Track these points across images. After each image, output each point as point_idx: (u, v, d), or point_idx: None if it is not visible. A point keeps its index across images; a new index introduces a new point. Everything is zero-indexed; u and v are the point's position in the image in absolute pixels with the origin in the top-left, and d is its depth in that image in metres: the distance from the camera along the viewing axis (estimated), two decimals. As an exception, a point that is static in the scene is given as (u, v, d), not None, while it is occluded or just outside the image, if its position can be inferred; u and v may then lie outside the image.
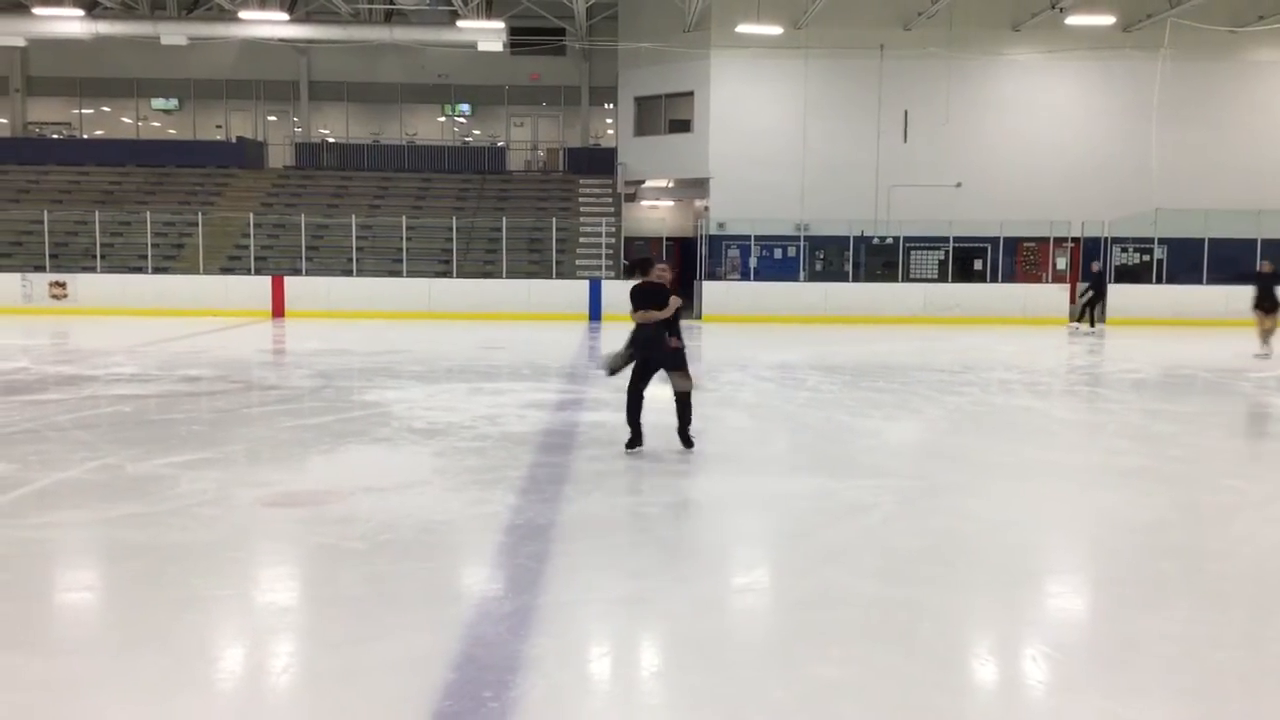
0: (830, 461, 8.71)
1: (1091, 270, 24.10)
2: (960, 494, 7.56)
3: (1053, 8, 25.09)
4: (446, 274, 27.18)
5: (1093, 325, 23.60)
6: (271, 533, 6.46)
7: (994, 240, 26.53)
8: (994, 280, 26.62)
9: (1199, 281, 25.58)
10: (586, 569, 5.71)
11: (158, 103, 35.31)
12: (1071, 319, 24.91)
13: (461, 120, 36.27)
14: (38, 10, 26.18)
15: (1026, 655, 4.59)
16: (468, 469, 7.99)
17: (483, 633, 4.66)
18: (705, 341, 20.46)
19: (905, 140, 27.47)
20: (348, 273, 26.98)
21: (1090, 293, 23.64)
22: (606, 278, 26.82)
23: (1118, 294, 25.24)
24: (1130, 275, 26.62)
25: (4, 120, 35.25)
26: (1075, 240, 26.61)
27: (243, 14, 26.24)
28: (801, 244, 27.22)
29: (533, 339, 19.20)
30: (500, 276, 26.99)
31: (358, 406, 11.27)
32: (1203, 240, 25.65)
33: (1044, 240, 26.80)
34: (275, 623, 4.91)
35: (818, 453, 9.17)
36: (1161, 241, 26.48)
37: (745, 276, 27.17)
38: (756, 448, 9.24)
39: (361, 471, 7.89)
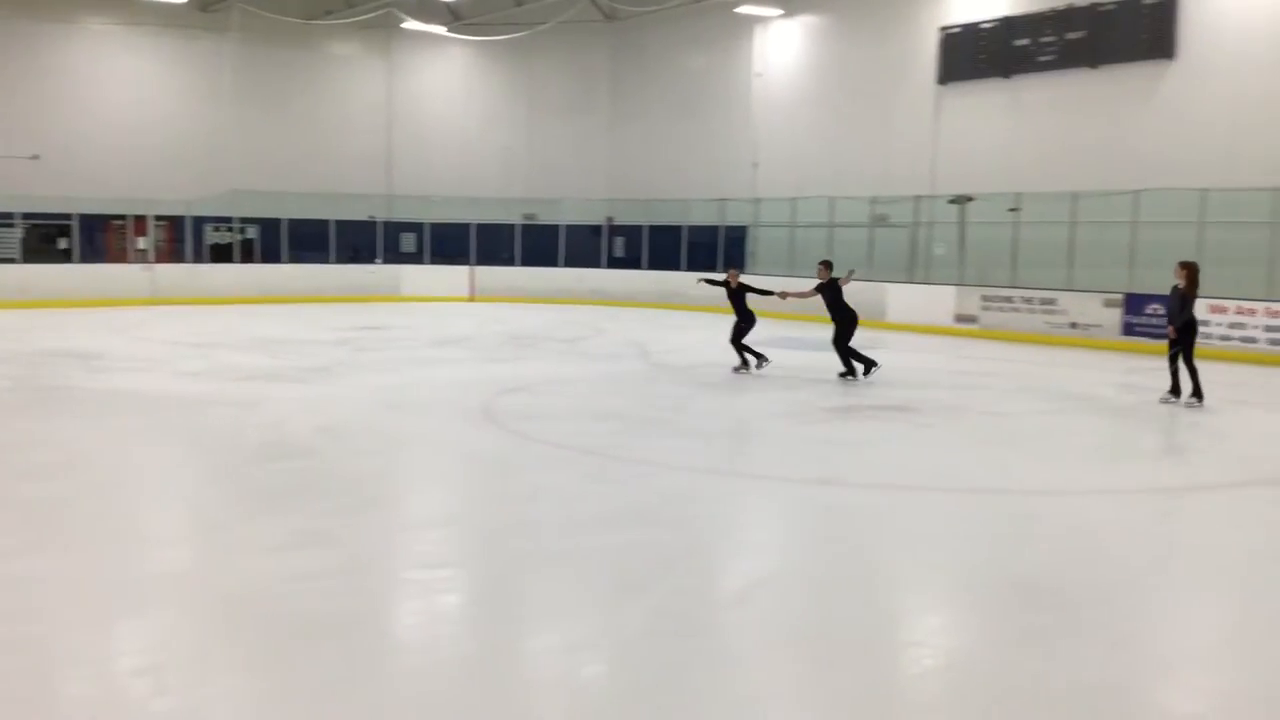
0: None
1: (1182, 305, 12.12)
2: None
3: (114, -23, 24.39)
4: None
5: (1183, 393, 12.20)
6: None
7: (79, 217, 25.25)
8: (79, 260, 25.38)
9: (279, 260, 27.02)
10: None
11: None
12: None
13: None
14: None
15: None
16: None
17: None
18: None
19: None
20: None
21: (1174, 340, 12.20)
22: None
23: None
24: (223, 254, 27.16)
25: None
26: (166, 219, 26.42)
27: None
28: None
29: None
30: None
31: None
32: (282, 220, 27.13)
33: (140, 218, 26.15)
34: None
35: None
36: (248, 221, 27.41)
37: None
38: None
39: None
